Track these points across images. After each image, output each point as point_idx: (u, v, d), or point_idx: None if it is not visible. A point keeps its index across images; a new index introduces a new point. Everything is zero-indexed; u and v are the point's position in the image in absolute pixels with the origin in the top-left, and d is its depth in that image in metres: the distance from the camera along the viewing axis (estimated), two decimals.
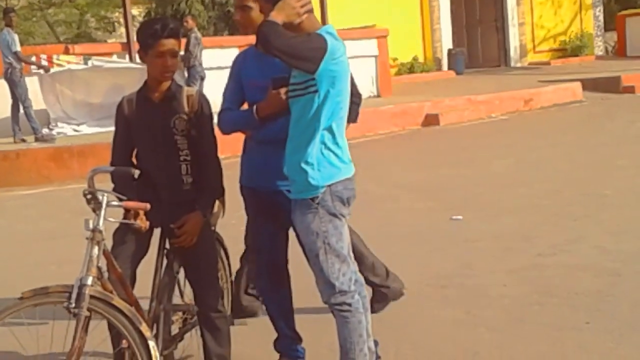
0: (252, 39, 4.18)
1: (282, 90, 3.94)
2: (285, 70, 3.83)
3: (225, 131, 4.26)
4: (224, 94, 4.30)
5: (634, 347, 4.52)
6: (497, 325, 5.03)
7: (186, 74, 14.94)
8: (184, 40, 13.85)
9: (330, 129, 3.70)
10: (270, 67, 4.02)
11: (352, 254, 3.86)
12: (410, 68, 22.79)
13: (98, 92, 14.47)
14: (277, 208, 4.22)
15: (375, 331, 3.98)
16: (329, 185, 3.70)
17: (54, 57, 14.58)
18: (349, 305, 3.78)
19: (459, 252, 6.72)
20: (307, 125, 3.69)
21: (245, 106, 4.27)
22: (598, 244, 6.61)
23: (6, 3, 24.83)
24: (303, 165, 3.69)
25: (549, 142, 12.63)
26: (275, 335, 4.52)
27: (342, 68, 3.69)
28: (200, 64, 14.74)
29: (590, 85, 18.07)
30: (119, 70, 14.51)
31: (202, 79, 14.73)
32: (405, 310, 5.39)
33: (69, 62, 14.63)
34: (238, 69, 4.29)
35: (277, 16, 3.57)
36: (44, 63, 14.11)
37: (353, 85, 4.03)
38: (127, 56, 15.15)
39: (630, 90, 17.82)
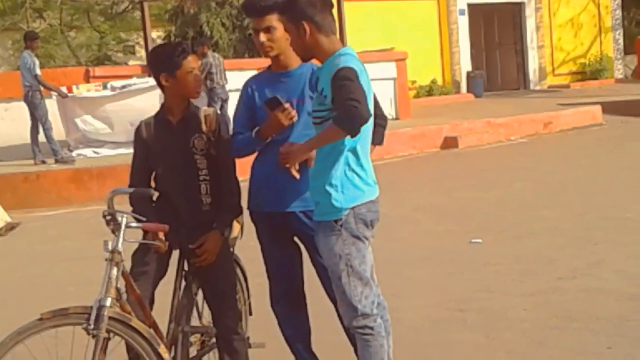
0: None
1: (279, 110, 3.96)
2: (282, 92, 3.99)
3: (235, 155, 4.26)
4: (234, 118, 4.31)
5: None
6: (517, 349, 4.99)
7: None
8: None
9: (354, 151, 3.69)
10: (285, 89, 4.12)
11: (375, 277, 3.84)
12: (429, 91, 22.78)
13: (116, 115, 14.53)
14: (289, 231, 4.23)
15: (394, 355, 3.95)
16: (353, 208, 3.70)
17: (74, 87, 14.64)
18: (371, 328, 3.76)
19: (478, 276, 6.69)
20: (332, 148, 3.68)
21: None
22: (620, 268, 6.56)
23: (27, 26, 25.04)
24: (327, 187, 3.69)
25: (568, 165, 12.58)
26: (292, 358, 4.50)
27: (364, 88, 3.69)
28: (222, 86, 14.80)
29: (610, 108, 17.99)
30: (137, 93, 14.57)
31: (224, 100, 14.77)
32: (425, 334, 5.37)
33: (88, 90, 14.72)
34: (249, 94, 4.27)
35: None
36: (64, 90, 14.18)
37: (378, 107, 4.02)
38: (147, 76, 15.24)
39: None
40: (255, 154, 4.29)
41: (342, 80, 3.54)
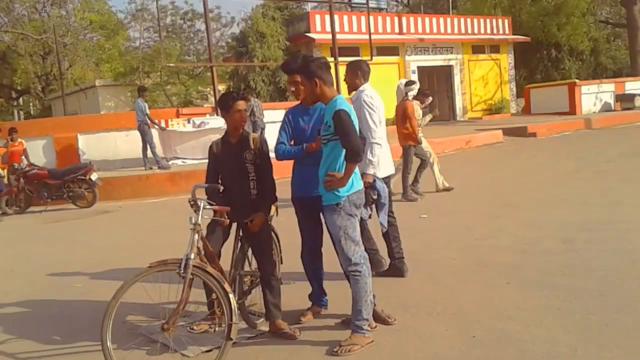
0: (293, 102, 4.24)
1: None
2: (308, 119, 4.10)
3: (280, 158, 4.25)
4: (279, 133, 4.29)
5: (538, 299, 4.47)
6: (450, 283, 4.99)
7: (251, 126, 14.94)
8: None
9: None
10: (310, 117, 4.18)
11: (361, 240, 3.85)
12: (392, 123, 22.67)
13: (197, 146, 14.46)
14: (313, 210, 4.22)
15: (374, 288, 3.95)
16: (348, 196, 3.72)
17: (169, 121, 14.65)
18: (360, 272, 3.78)
19: (424, 237, 6.67)
20: (334, 158, 3.73)
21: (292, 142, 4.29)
22: (513, 232, 6.55)
23: (140, 81, 25.05)
24: None
25: (482, 168, 12.52)
26: (309, 290, 4.51)
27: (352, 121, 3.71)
28: (261, 120, 14.74)
29: (507, 131, 17.87)
30: (210, 132, 14.46)
31: (263, 129, 14.71)
32: (389, 275, 5.35)
33: (177, 123, 14.72)
34: (289, 119, 4.30)
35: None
36: (162, 124, 14.21)
37: (361, 132, 4.04)
38: (215, 114, 15.23)
39: (533, 135, 17.64)
40: (294, 160, 4.31)
41: (340, 119, 3.61)
